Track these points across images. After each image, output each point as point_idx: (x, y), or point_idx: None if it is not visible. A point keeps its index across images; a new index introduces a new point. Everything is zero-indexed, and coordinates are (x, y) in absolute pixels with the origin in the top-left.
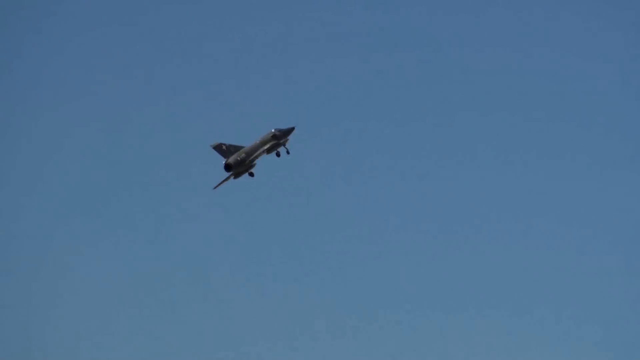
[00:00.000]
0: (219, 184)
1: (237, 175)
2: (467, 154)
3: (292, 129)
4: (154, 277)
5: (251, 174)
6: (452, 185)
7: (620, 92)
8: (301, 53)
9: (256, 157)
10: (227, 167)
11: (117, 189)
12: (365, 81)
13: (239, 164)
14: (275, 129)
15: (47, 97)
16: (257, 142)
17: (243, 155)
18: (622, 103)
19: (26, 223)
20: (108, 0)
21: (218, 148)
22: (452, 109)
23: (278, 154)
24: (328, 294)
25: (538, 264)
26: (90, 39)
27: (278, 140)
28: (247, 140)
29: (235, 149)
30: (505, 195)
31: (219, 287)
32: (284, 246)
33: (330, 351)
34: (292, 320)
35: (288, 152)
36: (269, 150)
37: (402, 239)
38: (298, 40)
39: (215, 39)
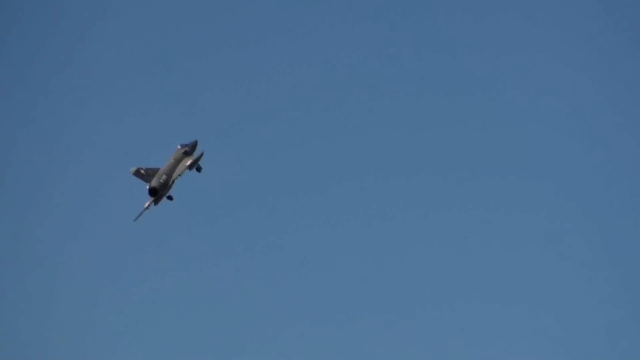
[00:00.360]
0: (140, 214)
1: (157, 200)
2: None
3: (196, 142)
4: (71, 317)
5: (170, 197)
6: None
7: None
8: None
9: (178, 175)
10: (153, 192)
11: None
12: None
13: (163, 187)
14: (180, 145)
15: None
16: (171, 161)
17: (164, 177)
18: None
19: None
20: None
21: (137, 173)
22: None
23: (199, 169)
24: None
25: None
26: None
27: (190, 155)
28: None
29: (153, 171)
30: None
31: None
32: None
33: None
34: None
35: (200, 169)
36: (190, 167)
37: (334, 259)
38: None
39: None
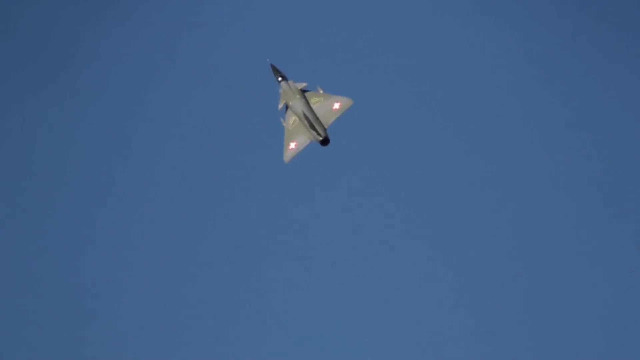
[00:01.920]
0: (292, 154)
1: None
2: None
3: (271, 65)
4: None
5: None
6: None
7: None
8: None
9: (333, 120)
10: (325, 142)
11: None
12: None
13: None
14: (281, 77)
15: None
16: (303, 99)
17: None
18: None
19: None
20: None
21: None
22: None
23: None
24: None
25: None
26: None
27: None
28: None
29: (295, 131)
30: None
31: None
32: None
33: None
34: None
35: None
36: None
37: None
38: None
39: None
